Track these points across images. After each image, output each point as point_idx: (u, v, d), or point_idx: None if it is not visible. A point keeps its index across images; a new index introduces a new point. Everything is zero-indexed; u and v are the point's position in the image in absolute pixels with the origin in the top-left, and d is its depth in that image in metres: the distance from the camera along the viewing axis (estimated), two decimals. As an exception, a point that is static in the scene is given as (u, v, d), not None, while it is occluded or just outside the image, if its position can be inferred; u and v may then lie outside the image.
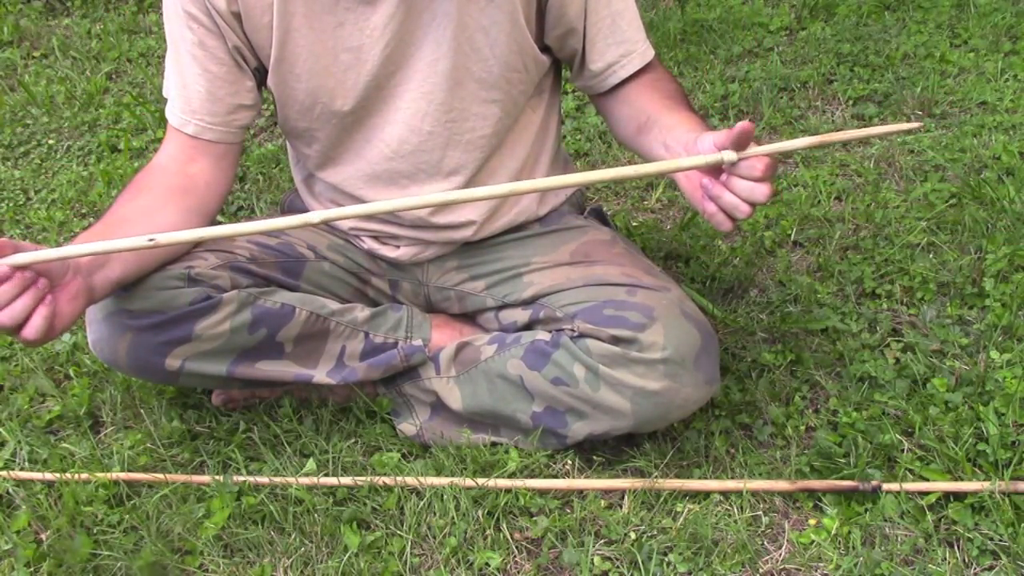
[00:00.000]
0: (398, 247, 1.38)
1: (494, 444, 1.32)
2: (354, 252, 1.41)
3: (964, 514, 1.15)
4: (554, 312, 1.27)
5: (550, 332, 1.26)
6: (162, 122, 2.31)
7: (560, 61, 1.35)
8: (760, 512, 1.20)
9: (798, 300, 1.57)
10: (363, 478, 1.26)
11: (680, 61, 2.44)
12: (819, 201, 1.84)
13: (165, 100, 1.30)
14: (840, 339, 1.46)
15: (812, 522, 1.18)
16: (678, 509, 1.21)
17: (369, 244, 1.40)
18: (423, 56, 1.22)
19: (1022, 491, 1.15)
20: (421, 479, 1.25)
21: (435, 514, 1.21)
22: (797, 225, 1.76)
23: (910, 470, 1.21)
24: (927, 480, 1.20)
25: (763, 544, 1.17)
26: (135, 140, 2.32)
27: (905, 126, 1.03)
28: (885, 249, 1.66)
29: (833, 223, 1.76)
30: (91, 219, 2.03)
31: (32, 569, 1.20)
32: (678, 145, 1.11)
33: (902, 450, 1.25)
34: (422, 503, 1.22)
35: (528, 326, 1.32)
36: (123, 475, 1.30)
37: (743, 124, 0.98)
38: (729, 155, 1.00)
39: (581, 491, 1.25)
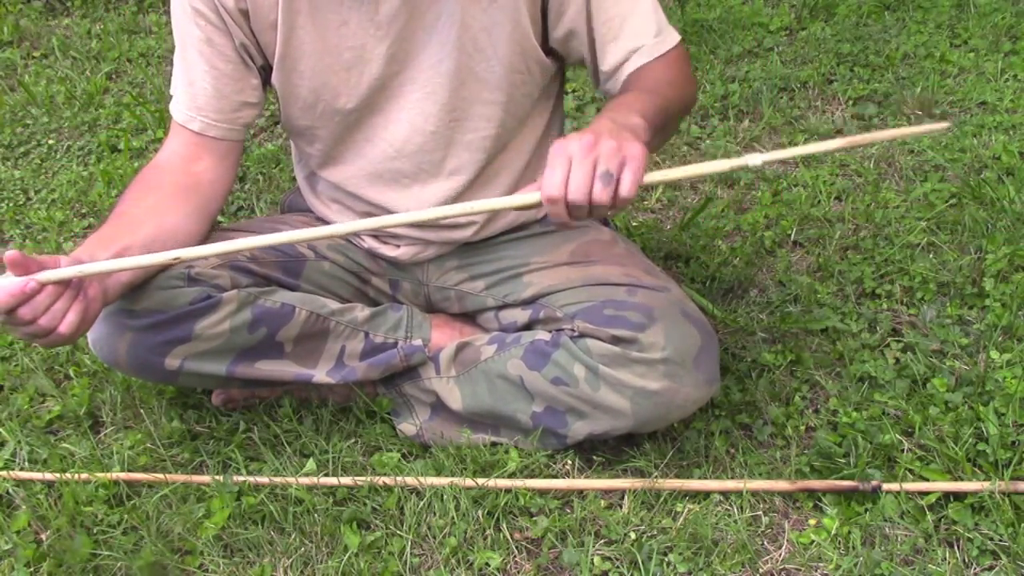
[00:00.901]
0: (398, 246, 1.38)
1: (494, 444, 1.32)
2: (354, 251, 1.41)
3: (964, 514, 1.15)
4: (554, 312, 1.27)
5: (550, 332, 1.26)
6: (162, 122, 2.32)
7: (566, 67, 1.34)
8: (760, 512, 1.20)
9: (798, 300, 1.57)
10: (363, 478, 1.26)
11: (680, 61, 2.44)
12: (819, 201, 1.84)
13: (168, 98, 1.30)
14: (840, 339, 1.46)
15: (812, 522, 1.18)
16: (678, 509, 1.21)
17: (369, 243, 1.40)
18: (427, 56, 1.22)
19: (1022, 491, 1.15)
20: (421, 479, 1.25)
21: (435, 514, 1.21)
22: (797, 225, 1.76)
23: (910, 470, 1.21)
24: (927, 480, 1.20)
25: (763, 544, 1.17)
26: (135, 140, 2.31)
27: (934, 126, 1.01)
28: (885, 249, 1.66)
29: (833, 223, 1.76)
30: (91, 219, 2.03)
31: (32, 569, 1.19)
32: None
33: (902, 450, 1.25)
34: (422, 503, 1.22)
35: (528, 326, 1.32)
36: (123, 475, 1.30)
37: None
38: (754, 159, 0.97)
39: (581, 491, 1.25)
